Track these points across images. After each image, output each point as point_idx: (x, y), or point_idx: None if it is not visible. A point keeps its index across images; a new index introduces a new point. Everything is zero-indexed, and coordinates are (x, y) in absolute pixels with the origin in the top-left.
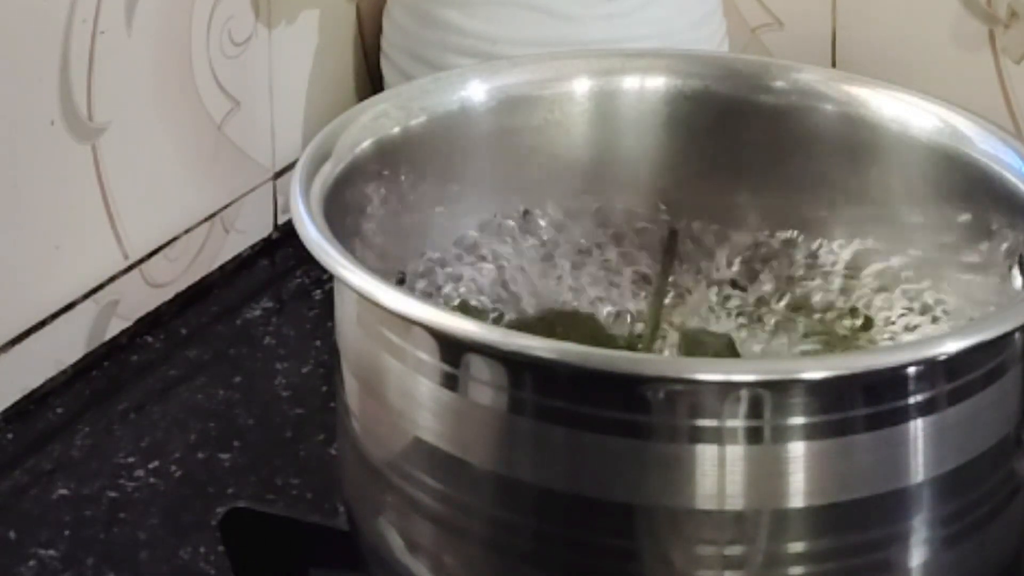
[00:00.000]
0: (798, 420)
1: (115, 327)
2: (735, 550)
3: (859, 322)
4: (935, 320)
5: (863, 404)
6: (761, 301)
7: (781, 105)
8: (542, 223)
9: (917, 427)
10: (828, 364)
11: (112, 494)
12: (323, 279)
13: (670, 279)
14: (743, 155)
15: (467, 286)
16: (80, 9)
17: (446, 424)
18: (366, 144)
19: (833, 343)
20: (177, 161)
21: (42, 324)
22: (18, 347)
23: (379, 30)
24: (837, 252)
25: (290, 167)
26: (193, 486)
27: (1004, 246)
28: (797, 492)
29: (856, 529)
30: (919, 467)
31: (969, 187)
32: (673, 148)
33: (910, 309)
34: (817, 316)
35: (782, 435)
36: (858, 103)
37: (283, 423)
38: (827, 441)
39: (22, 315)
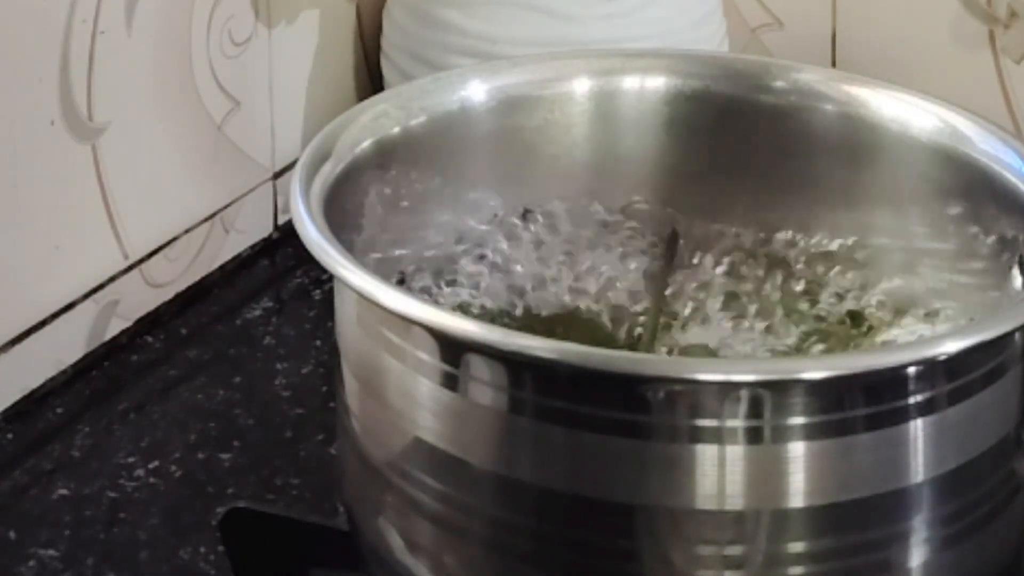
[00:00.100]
0: (798, 420)
1: (115, 327)
2: (735, 550)
3: (859, 322)
4: (935, 320)
5: (863, 404)
6: (761, 301)
7: (781, 105)
8: (542, 223)
9: (917, 427)
10: (828, 364)
11: (112, 494)
12: (323, 279)
13: (670, 279)
14: (743, 155)
15: (467, 286)
16: (80, 9)
17: (446, 424)
18: (366, 144)
19: (833, 343)
20: (177, 161)
21: (42, 324)
22: (18, 347)
23: (379, 30)
24: (837, 252)
25: (290, 167)
26: (193, 486)
27: (1004, 246)
28: (797, 492)
29: (856, 529)
30: (919, 467)
31: (969, 187)
32: (673, 148)
33: (910, 309)
34: (817, 316)
35: (782, 435)
36: (858, 103)
37: (283, 423)
38: (827, 441)
39: (22, 315)
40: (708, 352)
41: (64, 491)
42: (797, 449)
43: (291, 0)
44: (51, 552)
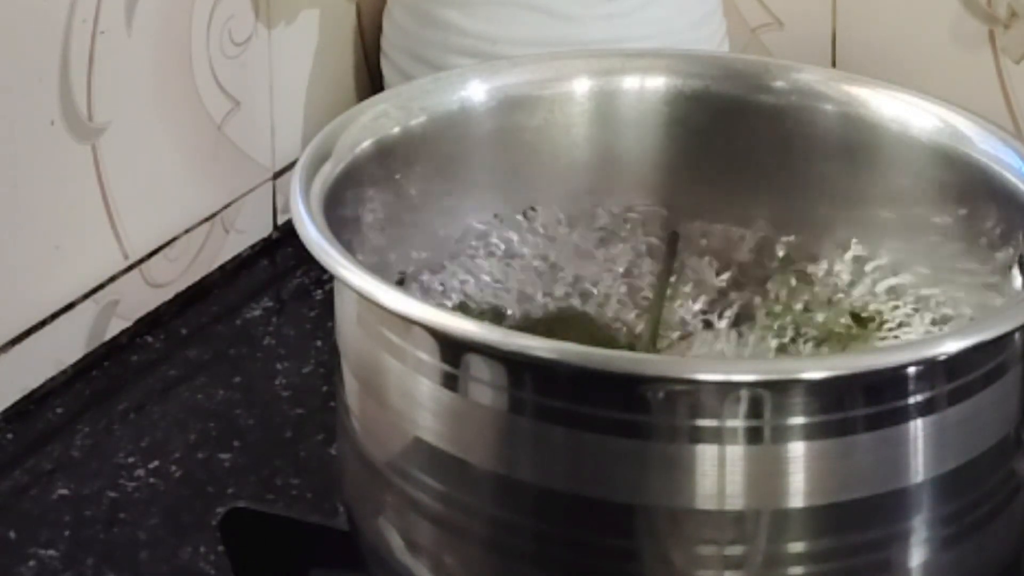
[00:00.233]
0: (798, 420)
1: (115, 327)
2: (735, 550)
3: (858, 322)
4: (935, 320)
5: (863, 404)
6: (761, 301)
7: (781, 105)
8: (542, 223)
9: (917, 427)
10: (828, 364)
11: (112, 494)
12: (323, 279)
13: (671, 279)
14: (743, 155)
15: (467, 286)
16: (80, 9)
17: (446, 424)
18: (366, 144)
19: (833, 343)
20: (177, 161)
21: (42, 324)
22: (18, 347)
23: (379, 30)
24: (837, 252)
25: (290, 167)
26: (193, 486)
27: (1004, 246)
28: (797, 492)
29: (856, 529)
30: (919, 467)
31: (969, 187)
32: (673, 148)
33: (910, 309)
34: (817, 316)
35: (782, 435)
36: (858, 103)
37: (283, 423)
38: (827, 441)
39: (22, 315)
40: (709, 352)
41: (64, 491)
42: (797, 449)
43: (291, 0)
44: (51, 552)
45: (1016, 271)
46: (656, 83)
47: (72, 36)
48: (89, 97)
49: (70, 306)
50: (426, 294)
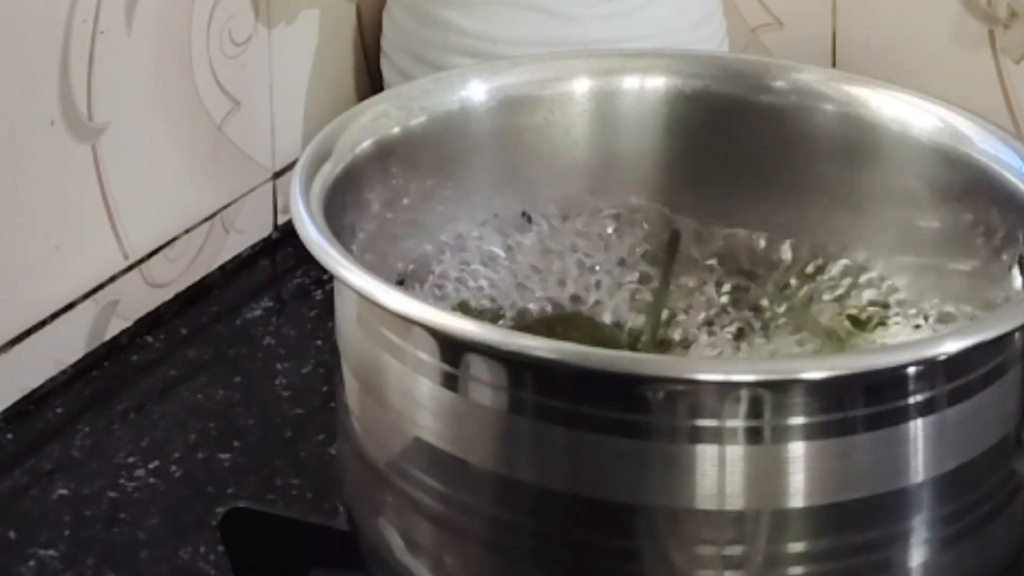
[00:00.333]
0: (798, 420)
1: (115, 327)
2: (735, 550)
3: (858, 322)
4: (935, 320)
5: (863, 404)
6: (762, 300)
7: (781, 105)
8: (542, 223)
9: (917, 427)
10: (828, 364)
11: (112, 494)
12: (323, 279)
13: (671, 279)
14: (743, 155)
15: (467, 286)
16: (80, 9)
17: (446, 424)
18: (366, 144)
19: (833, 343)
20: (177, 161)
21: (42, 324)
22: (18, 347)
23: (379, 30)
24: (837, 251)
25: (290, 167)
26: (193, 486)
27: (1004, 246)
28: (797, 492)
29: (856, 529)
30: (919, 467)
31: (969, 187)
32: (673, 148)
33: (910, 309)
34: (817, 315)
35: (782, 435)
36: (858, 103)
37: (283, 423)
38: (827, 441)
39: (22, 315)
40: (708, 352)
41: (64, 491)
42: (797, 449)
43: (291, 0)
44: (51, 552)
45: (1016, 271)
46: (656, 83)
47: (72, 36)
48: (89, 97)
49: (70, 306)
50: (426, 294)
